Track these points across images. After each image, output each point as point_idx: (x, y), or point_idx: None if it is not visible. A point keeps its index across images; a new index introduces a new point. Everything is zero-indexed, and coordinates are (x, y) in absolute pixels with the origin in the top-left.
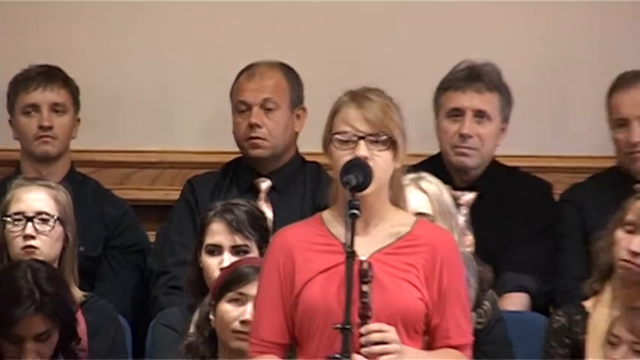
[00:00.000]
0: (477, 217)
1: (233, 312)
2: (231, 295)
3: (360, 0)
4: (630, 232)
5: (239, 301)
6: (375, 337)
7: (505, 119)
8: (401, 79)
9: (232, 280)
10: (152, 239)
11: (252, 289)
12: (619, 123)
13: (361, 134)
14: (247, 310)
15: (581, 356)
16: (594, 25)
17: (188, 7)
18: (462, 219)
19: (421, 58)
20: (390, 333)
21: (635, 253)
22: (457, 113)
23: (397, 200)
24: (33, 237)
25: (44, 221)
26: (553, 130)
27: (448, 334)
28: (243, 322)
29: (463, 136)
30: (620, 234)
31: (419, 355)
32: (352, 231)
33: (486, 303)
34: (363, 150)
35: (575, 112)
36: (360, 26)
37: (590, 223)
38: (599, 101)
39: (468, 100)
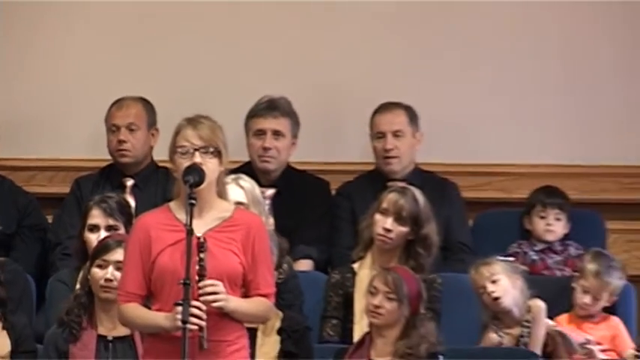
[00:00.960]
0: (277, 206)
1: (99, 273)
2: (98, 261)
3: (198, 49)
4: (383, 214)
5: (103, 265)
6: (209, 289)
7: (294, 136)
8: (221, 109)
9: (99, 250)
10: (50, 221)
11: (113, 256)
12: (377, 136)
13: (196, 147)
14: (109, 272)
15: (351, 303)
16: (362, 67)
17: (75, 48)
18: (267, 207)
19: (233, 94)
20: (219, 286)
21: (387, 230)
22: (260, 133)
23: (222, 194)
24: None
25: None
26: (332, 142)
27: (259, 286)
28: (106, 280)
29: (265, 149)
30: (377, 216)
31: (239, 301)
32: (190, 215)
33: (285, 265)
34: (197, 158)
35: (348, 129)
36: (195, 69)
37: (357, 210)
38: (365, 120)
39: (268, 123)
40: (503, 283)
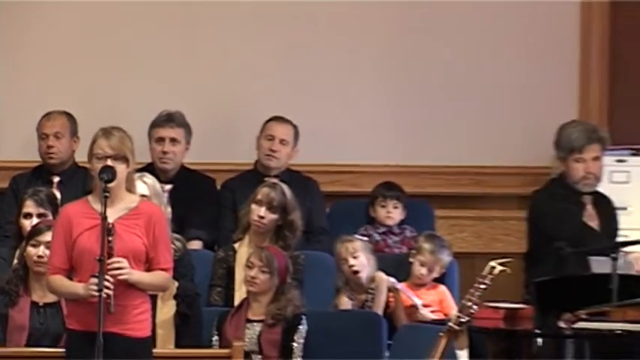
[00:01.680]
0: (174, 198)
1: (33, 251)
2: (32, 242)
3: (113, 70)
4: (258, 204)
5: (36, 245)
6: (115, 265)
7: (188, 142)
8: (130, 120)
9: (32, 233)
10: None
11: (43, 238)
12: (268, 137)
13: (107, 155)
14: (40, 250)
15: (233, 274)
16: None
17: (11, 67)
18: (165, 199)
19: (140, 108)
20: (124, 262)
21: (261, 217)
22: (160, 140)
23: (130, 188)
24: None
25: None
26: (220, 146)
27: (159, 262)
28: (38, 257)
29: (164, 153)
30: (253, 206)
31: (141, 274)
32: (104, 206)
33: (177, 243)
34: (110, 162)
35: (242, 137)
36: (108, 87)
37: (238, 200)
38: (247, 129)
39: (167, 132)
40: (362, 259)
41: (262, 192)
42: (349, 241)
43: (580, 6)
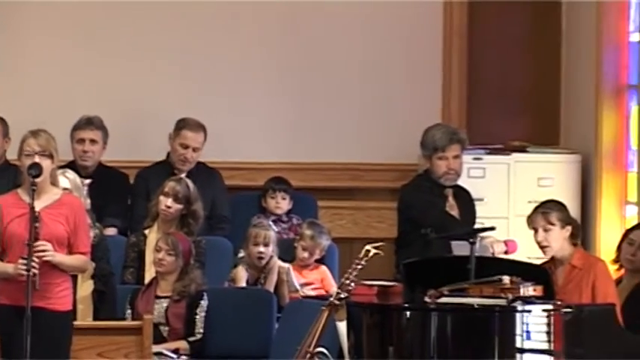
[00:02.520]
0: (92, 191)
1: None
2: None
3: (39, 80)
4: (165, 196)
5: None
6: (40, 248)
7: (105, 143)
8: (54, 123)
9: None
10: None
11: None
12: (183, 146)
13: (36, 152)
14: None
15: (143, 257)
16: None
17: None
18: (85, 192)
19: (63, 113)
20: (48, 246)
21: (168, 207)
22: (81, 140)
23: (54, 181)
24: None
25: None
26: (134, 146)
27: (79, 247)
28: None
29: (84, 152)
30: (161, 197)
31: (63, 256)
32: (32, 197)
33: (95, 230)
34: (37, 159)
35: (153, 137)
36: (36, 95)
37: (150, 190)
38: (158, 130)
39: (86, 134)
40: (270, 249)
41: (169, 185)
42: (265, 229)
43: (442, 34)
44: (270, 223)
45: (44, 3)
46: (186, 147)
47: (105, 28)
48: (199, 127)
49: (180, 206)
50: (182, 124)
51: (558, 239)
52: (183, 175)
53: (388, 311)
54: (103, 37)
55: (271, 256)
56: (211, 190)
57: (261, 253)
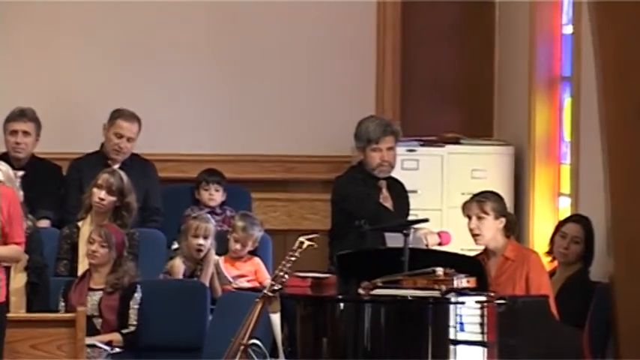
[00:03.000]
0: (25, 183)
1: None
2: None
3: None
4: (99, 188)
5: None
6: None
7: (38, 135)
8: None
9: None
10: None
11: None
12: (118, 135)
13: None
14: None
15: (77, 249)
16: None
17: None
18: (18, 183)
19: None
20: None
21: (101, 199)
22: (14, 132)
23: None
24: None
25: None
26: (69, 138)
27: (13, 237)
28: None
29: (17, 144)
30: (94, 190)
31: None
32: None
33: (28, 222)
34: None
35: (86, 129)
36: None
37: (83, 181)
38: (90, 122)
39: (19, 126)
40: (209, 242)
41: (103, 177)
42: (206, 221)
43: (376, 28)
44: (208, 216)
45: None
46: (120, 136)
47: (38, 19)
48: (134, 117)
49: (113, 198)
50: (117, 114)
51: (491, 229)
52: (116, 167)
53: (322, 303)
54: (36, 29)
55: (209, 249)
56: (145, 182)
57: (200, 245)
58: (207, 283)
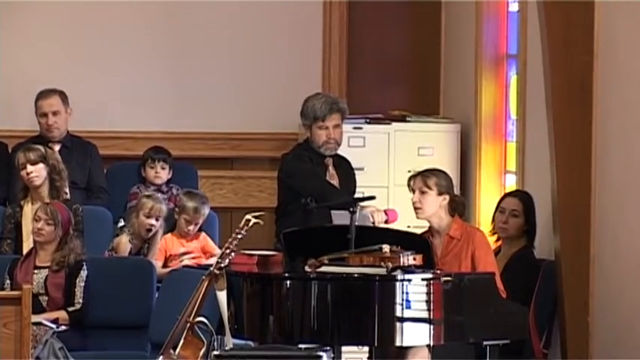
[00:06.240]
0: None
1: None
2: None
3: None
4: (23, 167)
5: None
6: None
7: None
8: None
9: None
10: None
11: None
12: (42, 115)
13: None
14: None
15: (21, 228)
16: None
17: None
18: None
19: None
20: None
21: (29, 173)
22: None
23: None
24: None
25: None
26: (10, 116)
27: None
28: None
29: None
30: (22, 172)
31: None
32: None
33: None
34: None
35: (23, 107)
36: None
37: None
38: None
39: None
40: (160, 222)
41: (20, 157)
42: (159, 202)
43: (322, 5)
44: (160, 196)
45: None
46: (44, 115)
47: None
48: (50, 92)
49: (41, 166)
50: (36, 98)
51: (432, 205)
52: (57, 148)
53: (268, 280)
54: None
55: (157, 230)
56: (87, 162)
57: (152, 225)
58: (153, 260)
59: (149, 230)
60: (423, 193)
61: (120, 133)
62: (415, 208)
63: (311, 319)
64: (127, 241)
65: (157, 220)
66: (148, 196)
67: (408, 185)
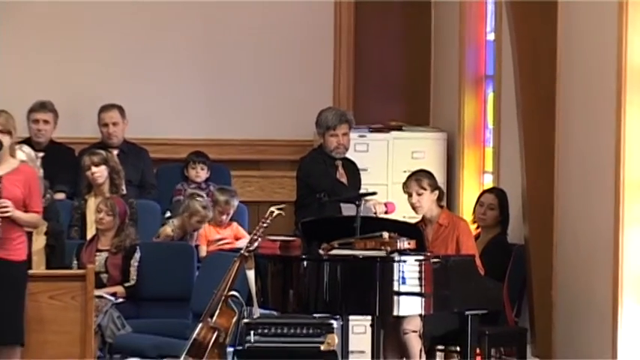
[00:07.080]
0: (45, 163)
1: None
2: None
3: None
4: (88, 169)
5: None
6: (2, 204)
7: (55, 123)
8: (12, 105)
9: None
10: None
11: None
12: (104, 124)
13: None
14: None
15: (86, 218)
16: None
17: None
18: (39, 163)
19: (19, 97)
20: (7, 203)
21: (93, 173)
22: (36, 121)
23: (12, 154)
24: None
25: None
26: (77, 125)
27: (33, 207)
28: None
29: (39, 130)
30: (87, 172)
31: (20, 213)
32: None
33: (47, 195)
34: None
35: (87, 117)
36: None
37: None
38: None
39: (41, 115)
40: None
41: (85, 159)
42: (209, 211)
43: (333, 36)
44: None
45: None
46: (106, 125)
47: (35, 18)
48: (111, 106)
49: (103, 167)
50: (99, 111)
51: (428, 201)
52: (115, 152)
53: (289, 261)
54: (35, 27)
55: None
56: (141, 164)
57: (200, 221)
58: (193, 244)
59: (196, 230)
60: (420, 194)
61: (167, 140)
62: (414, 208)
63: (324, 293)
64: (170, 231)
65: (204, 224)
66: (204, 207)
67: (404, 189)
